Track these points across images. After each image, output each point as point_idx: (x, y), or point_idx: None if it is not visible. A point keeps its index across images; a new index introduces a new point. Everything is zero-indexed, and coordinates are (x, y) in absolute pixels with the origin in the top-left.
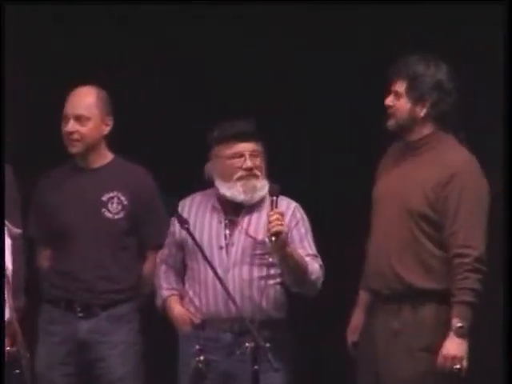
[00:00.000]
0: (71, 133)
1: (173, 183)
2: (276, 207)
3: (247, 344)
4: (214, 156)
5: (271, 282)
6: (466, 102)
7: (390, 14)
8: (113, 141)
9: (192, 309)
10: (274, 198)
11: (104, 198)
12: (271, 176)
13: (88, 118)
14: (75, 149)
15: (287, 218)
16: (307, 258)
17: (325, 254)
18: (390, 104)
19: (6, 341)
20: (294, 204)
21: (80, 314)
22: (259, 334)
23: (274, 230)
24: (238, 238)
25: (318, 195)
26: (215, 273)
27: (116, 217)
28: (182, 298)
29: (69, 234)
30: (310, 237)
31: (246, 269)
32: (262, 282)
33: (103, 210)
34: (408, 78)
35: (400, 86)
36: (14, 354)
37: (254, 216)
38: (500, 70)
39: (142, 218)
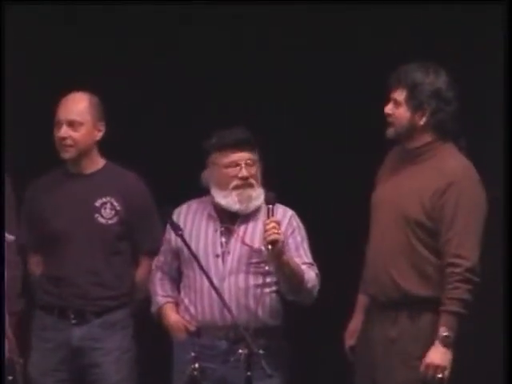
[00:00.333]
0: (64, 138)
1: (168, 190)
2: (272, 215)
3: (241, 351)
4: (211, 163)
5: (267, 290)
6: (466, 103)
7: (390, 14)
8: (109, 147)
9: (187, 316)
10: (270, 206)
11: (97, 204)
12: (270, 178)
13: (81, 124)
14: (68, 154)
15: (283, 226)
16: (303, 267)
17: (322, 260)
18: (390, 112)
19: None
20: (290, 212)
21: (73, 321)
22: (253, 341)
23: (271, 238)
24: (234, 246)
25: (316, 198)
26: (210, 281)
27: (109, 222)
28: (177, 305)
29: (61, 240)
30: (306, 245)
31: (241, 277)
32: (258, 291)
33: (96, 215)
34: (407, 87)
35: (399, 95)
36: (7, 360)
37: (250, 224)
38: (500, 70)
39: (135, 224)
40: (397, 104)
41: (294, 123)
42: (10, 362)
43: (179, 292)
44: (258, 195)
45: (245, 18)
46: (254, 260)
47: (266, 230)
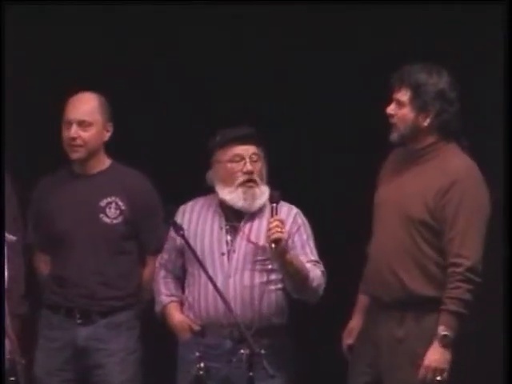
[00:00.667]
0: (74, 138)
1: (171, 190)
2: (276, 214)
3: (242, 351)
4: (215, 161)
5: (272, 287)
6: (466, 103)
7: (390, 14)
8: (113, 146)
9: (192, 315)
10: (274, 204)
11: (102, 204)
12: (271, 178)
13: (91, 124)
14: (77, 155)
15: (288, 224)
16: (309, 265)
17: (326, 258)
18: (392, 113)
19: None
20: (295, 210)
21: (79, 321)
22: (255, 341)
23: (274, 237)
24: (240, 244)
25: (318, 197)
26: (211, 279)
27: (114, 222)
28: (181, 304)
29: (67, 240)
30: (311, 243)
31: (247, 275)
32: (264, 288)
33: (101, 215)
34: (411, 87)
35: (403, 95)
36: (9, 361)
37: (256, 222)
38: (500, 70)
39: (140, 223)
40: (400, 104)
41: (294, 123)
42: (11, 363)
43: (183, 290)
44: (262, 193)
45: (245, 17)
46: (260, 258)
47: (269, 229)
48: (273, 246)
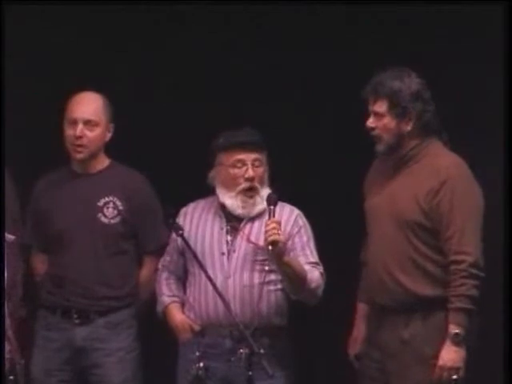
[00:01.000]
0: (79, 137)
1: (172, 190)
2: (273, 216)
3: (241, 350)
4: (218, 163)
5: (272, 288)
6: (466, 103)
7: (390, 14)
8: (113, 146)
9: (192, 315)
10: (272, 207)
11: (100, 203)
12: (273, 179)
13: (96, 124)
14: (81, 155)
15: (289, 225)
16: (308, 266)
17: (326, 260)
18: (373, 126)
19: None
20: (296, 211)
21: (76, 321)
22: (255, 341)
23: (271, 239)
24: (240, 244)
25: (319, 199)
26: (210, 280)
27: (112, 222)
28: (182, 305)
29: (65, 240)
30: (311, 244)
31: (247, 275)
32: (263, 288)
33: (99, 214)
34: (387, 97)
35: (380, 106)
36: (8, 361)
37: (256, 222)
38: (500, 70)
39: (138, 223)
40: (379, 116)
41: (295, 124)
42: (11, 363)
43: (185, 291)
44: (262, 199)
45: (245, 17)
46: (260, 258)
47: (266, 231)
48: (270, 248)
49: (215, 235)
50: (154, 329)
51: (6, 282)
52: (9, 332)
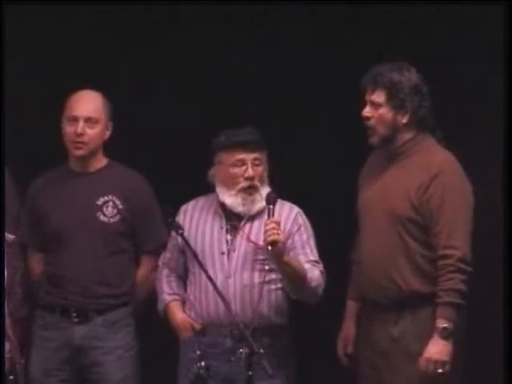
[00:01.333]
0: (80, 135)
1: (171, 189)
2: (273, 216)
3: (241, 350)
4: (218, 162)
5: (272, 287)
6: (466, 103)
7: (390, 14)
8: (113, 147)
9: (193, 314)
10: (271, 206)
11: (99, 202)
12: (272, 178)
13: (97, 121)
14: (81, 151)
15: (289, 224)
16: (308, 265)
17: (326, 258)
18: (369, 115)
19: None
20: (296, 209)
21: (75, 320)
22: (255, 340)
23: (270, 239)
24: (240, 243)
25: (319, 197)
26: (210, 279)
27: (111, 220)
28: (183, 303)
29: (63, 238)
30: (312, 242)
31: (247, 274)
32: (263, 288)
33: (98, 213)
34: (386, 87)
35: (378, 96)
36: (8, 360)
37: (256, 222)
38: (500, 70)
39: (137, 222)
40: (376, 106)
41: (295, 123)
42: (11, 362)
43: (186, 289)
44: (262, 197)
45: (245, 17)
46: (260, 257)
47: (265, 231)
48: (269, 248)
49: (215, 234)
50: (154, 327)
51: (6, 282)
52: (9, 331)
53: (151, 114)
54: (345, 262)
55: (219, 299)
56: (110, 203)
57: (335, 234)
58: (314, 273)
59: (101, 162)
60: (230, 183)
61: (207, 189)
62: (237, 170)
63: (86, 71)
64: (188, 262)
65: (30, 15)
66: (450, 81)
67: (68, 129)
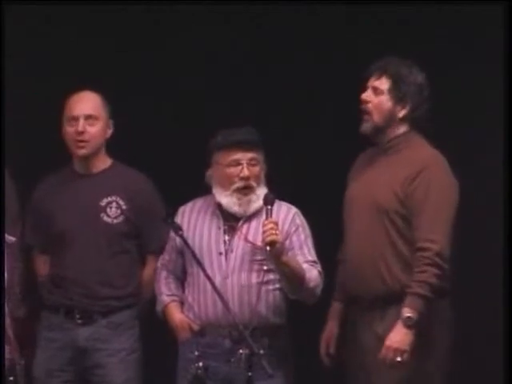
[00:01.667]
0: (81, 133)
1: (171, 190)
2: (271, 216)
3: (241, 351)
4: (214, 162)
5: (270, 287)
6: (466, 102)
7: (390, 14)
8: (113, 147)
9: (191, 315)
10: (269, 207)
11: (102, 203)
12: (271, 177)
13: (97, 118)
14: (84, 150)
15: (287, 224)
16: (306, 265)
17: (324, 258)
18: (368, 99)
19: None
20: (294, 210)
21: (79, 321)
22: (254, 341)
23: (269, 239)
24: (237, 243)
25: (317, 197)
26: (210, 280)
27: (115, 221)
28: (182, 304)
29: (67, 240)
30: (309, 243)
31: (244, 275)
32: (261, 288)
33: (102, 214)
34: (392, 77)
35: (382, 83)
36: (8, 361)
37: (254, 222)
38: (500, 70)
39: (141, 223)
40: (377, 92)
41: (294, 123)
42: (11, 363)
43: (184, 290)
44: (258, 197)
45: (245, 17)
46: (257, 257)
47: (263, 232)
48: (268, 248)
49: (213, 235)
50: (153, 328)
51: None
52: (9, 332)
53: (151, 113)
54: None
55: (218, 300)
56: (114, 204)
57: (334, 235)
58: (312, 273)
59: (104, 162)
60: (225, 183)
61: (207, 189)
62: (232, 170)
63: (86, 71)
64: (186, 263)
65: (30, 15)
66: (450, 81)
67: (69, 129)
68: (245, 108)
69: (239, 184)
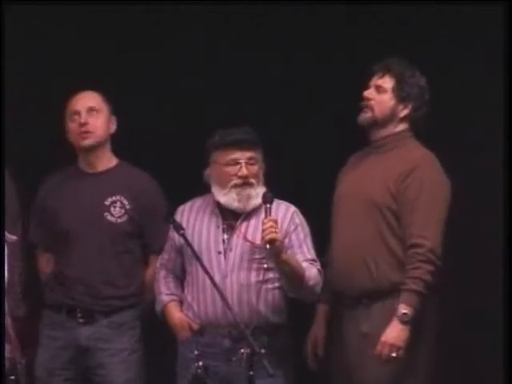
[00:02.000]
0: (84, 124)
1: (171, 189)
2: (270, 215)
3: (242, 350)
4: (213, 162)
5: (270, 286)
6: (466, 102)
7: (390, 14)
8: (113, 147)
9: (191, 314)
10: (268, 205)
11: (107, 202)
12: (270, 177)
13: (99, 111)
14: (88, 141)
15: (286, 223)
16: (305, 263)
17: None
18: (370, 97)
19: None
20: (292, 208)
21: (81, 320)
22: (255, 340)
23: (268, 237)
24: (236, 242)
25: (316, 196)
26: (212, 280)
27: (118, 221)
28: (181, 303)
29: (71, 238)
30: (308, 241)
31: (243, 273)
32: (260, 287)
33: (106, 213)
34: (397, 77)
35: (386, 82)
36: (9, 360)
37: (252, 221)
38: (500, 70)
39: (144, 223)
40: (380, 90)
41: (293, 123)
42: (11, 362)
43: (183, 290)
44: (257, 194)
45: (245, 17)
46: (256, 256)
47: (263, 230)
48: (267, 246)
49: (211, 234)
50: (153, 328)
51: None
52: (10, 331)
53: (151, 113)
54: None
55: (217, 299)
56: (118, 203)
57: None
58: (312, 271)
59: (110, 161)
60: (224, 182)
61: (207, 189)
62: (231, 169)
63: (86, 71)
64: (185, 262)
65: (30, 15)
66: (450, 81)
67: (71, 125)
68: (245, 108)
69: (237, 181)
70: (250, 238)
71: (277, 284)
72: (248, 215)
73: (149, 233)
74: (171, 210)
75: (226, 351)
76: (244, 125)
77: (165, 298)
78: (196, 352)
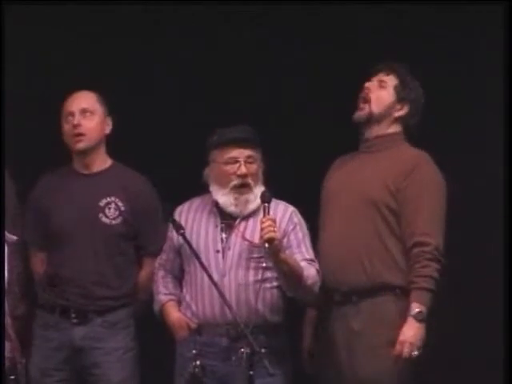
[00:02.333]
0: (77, 126)
1: (171, 188)
2: (268, 214)
3: (242, 349)
4: (212, 161)
5: (268, 285)
6: (466, 103)
7: (390, 14)
8: (113, 147)
9: (189, 314)
10: (266, 204)
11: (101, 203)
12: (269, 176)
13: (93, 112)
14: (81, 144)
15: (284, 223)
16: (303, 263)
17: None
18: (371, 88)
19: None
20: (291, 208)
21: (74, 321)
22: (255, 339)
23: (267, 236)
24: (235, 241)
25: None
26: (211, 279)
27: (113, 222)
28: (179, 303)
29: (65, 239)
30: (307, 241)
31: (242, 273)
32: (259, 286)
33: (100, 215)
34: (400, 78)
35: (389, 79)
36: (9, 360)
37: (251, 220)
38: (500, 70)
39: (139, 224)
40: (382, 85)
41: (292, 122)
42: (11, 362)
43: (182, 289)
44: (255, 197)
45: (245, 17)
46: (255, 255)
47: (262, 229)
48: (266, 245)
49: (210, 233)
50: (151, 327)
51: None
52: (10, 331)
53: (151, 113)
54: None
55: (215, 299)
56: (113, 205)
57: None
58: (310, 271)
59: (105, 162)
60: (222, 181)
61: (206, 189)
62: (229, 168)
63: (86, 71)
64: (184, 262)
65: (30, 15)
66: (450, 81)
67: (66, 126)
68: (245, 108)
69: (236, 181)
70: (248, 237)
71: (275, 283)
72: (247, 214)
73: (143, 234)
74: (169, 209)
75: (224, 350)
76: (244, 124)
77: (163, 297)
78: (194, 351)
